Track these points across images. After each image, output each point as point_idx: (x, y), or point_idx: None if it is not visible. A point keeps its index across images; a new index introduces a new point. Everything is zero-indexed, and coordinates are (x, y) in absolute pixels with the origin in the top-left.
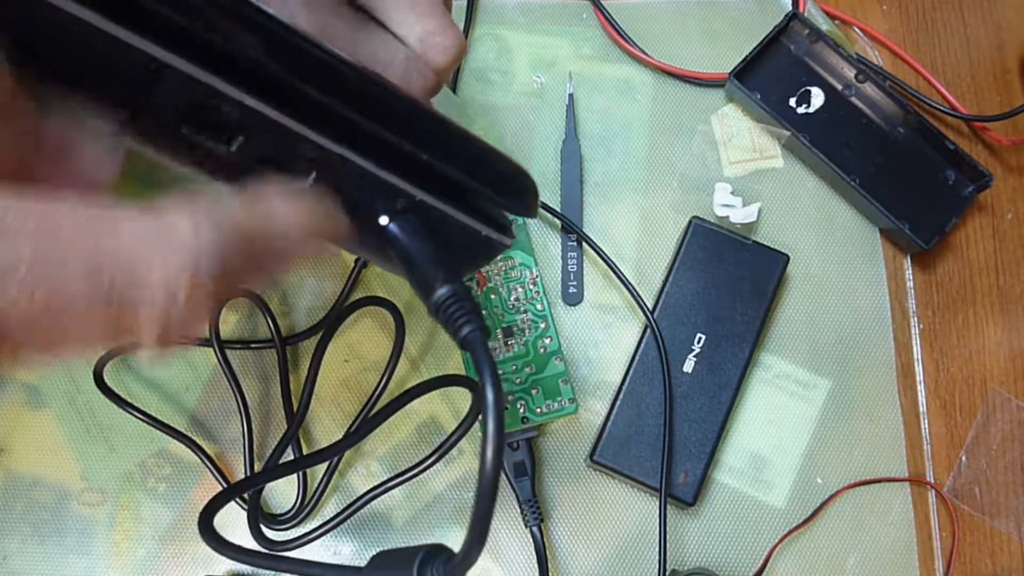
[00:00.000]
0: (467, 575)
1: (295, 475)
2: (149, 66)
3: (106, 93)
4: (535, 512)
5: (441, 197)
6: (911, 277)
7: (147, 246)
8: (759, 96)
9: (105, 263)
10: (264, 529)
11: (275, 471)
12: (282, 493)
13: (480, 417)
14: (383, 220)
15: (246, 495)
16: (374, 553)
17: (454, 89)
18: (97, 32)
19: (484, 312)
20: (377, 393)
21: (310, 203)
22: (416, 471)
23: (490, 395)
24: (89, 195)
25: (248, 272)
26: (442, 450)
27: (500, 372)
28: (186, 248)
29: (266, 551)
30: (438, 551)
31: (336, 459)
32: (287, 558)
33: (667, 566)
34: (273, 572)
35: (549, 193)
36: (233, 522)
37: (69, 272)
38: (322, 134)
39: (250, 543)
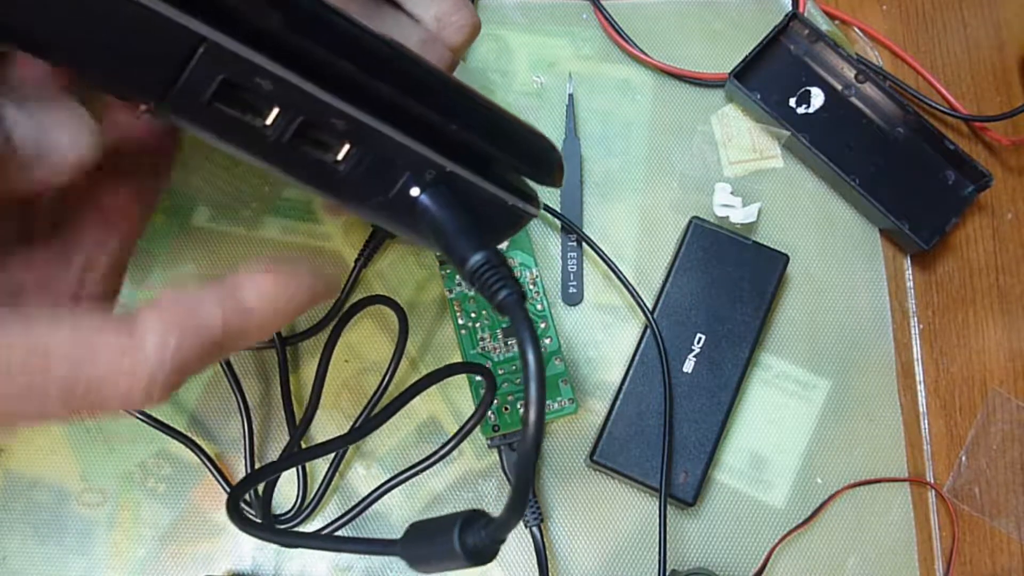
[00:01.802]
0: (473, 571)
1: (296, 476)
2: (185, 42)
3: (137, 75)
4: (535, 512)
5: (469, 167)
6: (911, 277)
7: (116, 369)
8: (759, 96)
9: (79, 389)
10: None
11: (301, 455)
12: (283, 493)
13: (513, 397)
14: (414, 192)
15: (248, 495)
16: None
17: None
18: (132, 7)
19: (483, 312)
20: (380, 391)
21: (287, 287)
22: (427, 464)
23: (531, 357)
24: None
25: (210, 360)
26: (459, 437)
27: (500, 372)
28: (149, 364)
29: (299, 532)
30: (476, 516)
31: (339, 456)
32: (321, 536)
33: (667, 566)
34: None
35: (549, 193)
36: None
37: (48, 393)
38: (354, 106)
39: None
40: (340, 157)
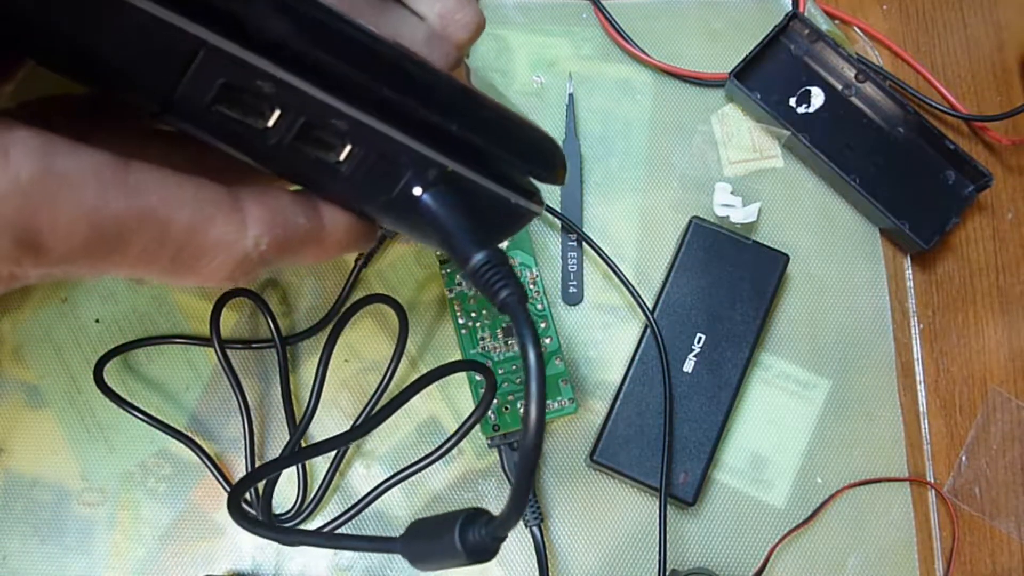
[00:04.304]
0: (473, 569)
1: (296, 475)
2: (184, 47)
3: (137, 79)
4: (535, 512)
5: (471, 166)
6: (911, 277)
7: (221, 241)
8: (759, 96)
9: (187, 252)
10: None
11: (301, 453)
12: (283, 493)
13: (522, 393)
14: (416, 191)
15: (248, 495)
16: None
17: None
18: (131, 12)
19: (483, 311)
20: (380, 390)
21: (359, 227)
22: (427, 462)
23: (532, 356)
24: None
25: (275, 264)
26: (458, 435)
27: (500, 372)
28: (246, 248)
29: (300, 529)
30: (478, 514)
31: (339, 456)
32: (322, 533)
33: (667, 566)
34: (274, 569)
35: (549, 193)
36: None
37: (162, 250)
38: (356, 107)
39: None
40: (342, 158)
